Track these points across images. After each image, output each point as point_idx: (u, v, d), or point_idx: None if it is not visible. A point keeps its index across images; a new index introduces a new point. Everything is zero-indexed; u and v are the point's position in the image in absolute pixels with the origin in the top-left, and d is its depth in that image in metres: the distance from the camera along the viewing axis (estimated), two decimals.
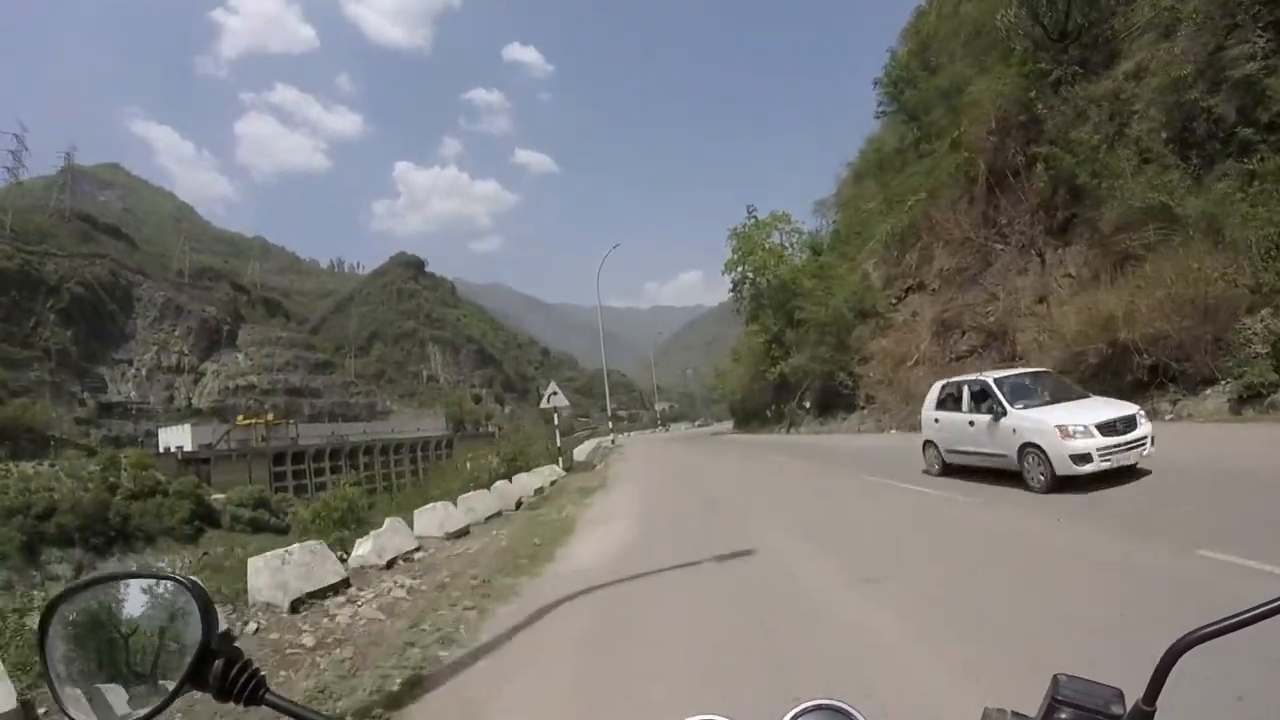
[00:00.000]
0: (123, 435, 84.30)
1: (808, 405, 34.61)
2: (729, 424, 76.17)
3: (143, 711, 0.77)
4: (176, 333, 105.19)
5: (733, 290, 45.07)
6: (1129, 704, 0.73)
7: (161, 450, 73.81)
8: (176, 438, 74.40)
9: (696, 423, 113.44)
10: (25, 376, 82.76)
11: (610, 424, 48.20)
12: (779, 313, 38.16)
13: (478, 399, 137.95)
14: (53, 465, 59.73)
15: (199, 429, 75.90)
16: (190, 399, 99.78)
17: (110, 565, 52.61)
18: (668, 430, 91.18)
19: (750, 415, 48.34)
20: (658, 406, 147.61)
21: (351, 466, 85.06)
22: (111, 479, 59.16)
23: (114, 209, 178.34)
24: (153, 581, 0.86)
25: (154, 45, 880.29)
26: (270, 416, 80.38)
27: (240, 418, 78.94)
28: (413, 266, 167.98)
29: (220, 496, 63.77)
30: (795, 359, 34.74)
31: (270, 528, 57.08)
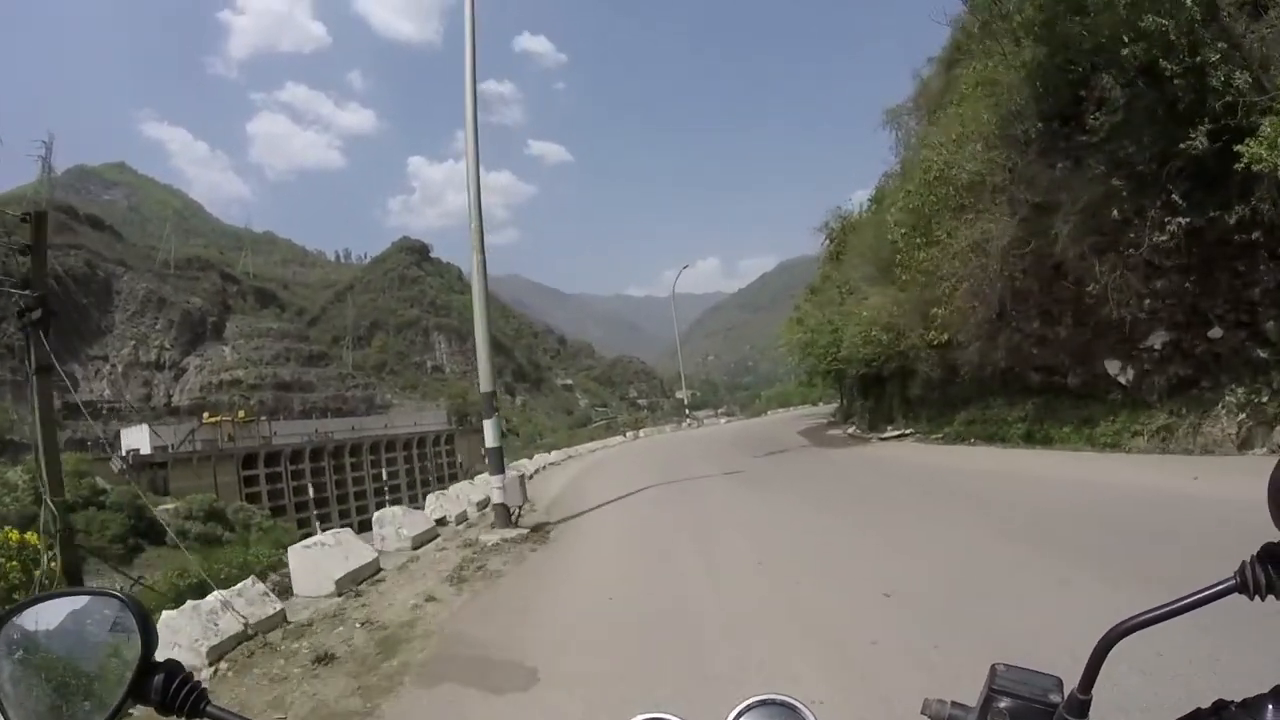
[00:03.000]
0: (90, 437, 77.28)
1: None
2: (796, 410, 58.10)
3: None
4: (158, 326, 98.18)
5: None
6: (1066, 692, 0.73)
7: (125, 453, 66.68)
8: (137, 439, 67.01)
9: (720, 411, 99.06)
10: None
11: (490, 431, 12.37)
12: None
13: None
14: None
15: (160, 429, 68.38)
16: (170, 396, 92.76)
17: (30, 594, 45.40)
18: (699, 425, 60.19)
19: (950, 400, 19.11)
20: (680, 394, 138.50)
21: (335, 468, 77.34)
22: (40, 489, 51.72)
23: (119, 207, 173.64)
24: (92, 599, 0.87)
25: (163, 47, 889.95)
26: (241, 413, 72.65)
27: (207, 415, 71.36)
28: (416, 252, 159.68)
29: (169, 506, 56.00)
30: None
31: (223, 543, 49.39)
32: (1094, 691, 0.72)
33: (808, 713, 0.83)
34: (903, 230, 18.42)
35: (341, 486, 76.22)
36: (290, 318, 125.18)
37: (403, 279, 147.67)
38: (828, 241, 35.39)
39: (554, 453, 30.96)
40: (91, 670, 0.83)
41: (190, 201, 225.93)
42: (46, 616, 0.86)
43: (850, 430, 26.27)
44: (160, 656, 0.82)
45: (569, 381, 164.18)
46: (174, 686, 0.78)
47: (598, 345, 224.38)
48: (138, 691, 0.78)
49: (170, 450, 64.31)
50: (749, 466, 18.36)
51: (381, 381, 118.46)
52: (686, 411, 69.97)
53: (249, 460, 68.38)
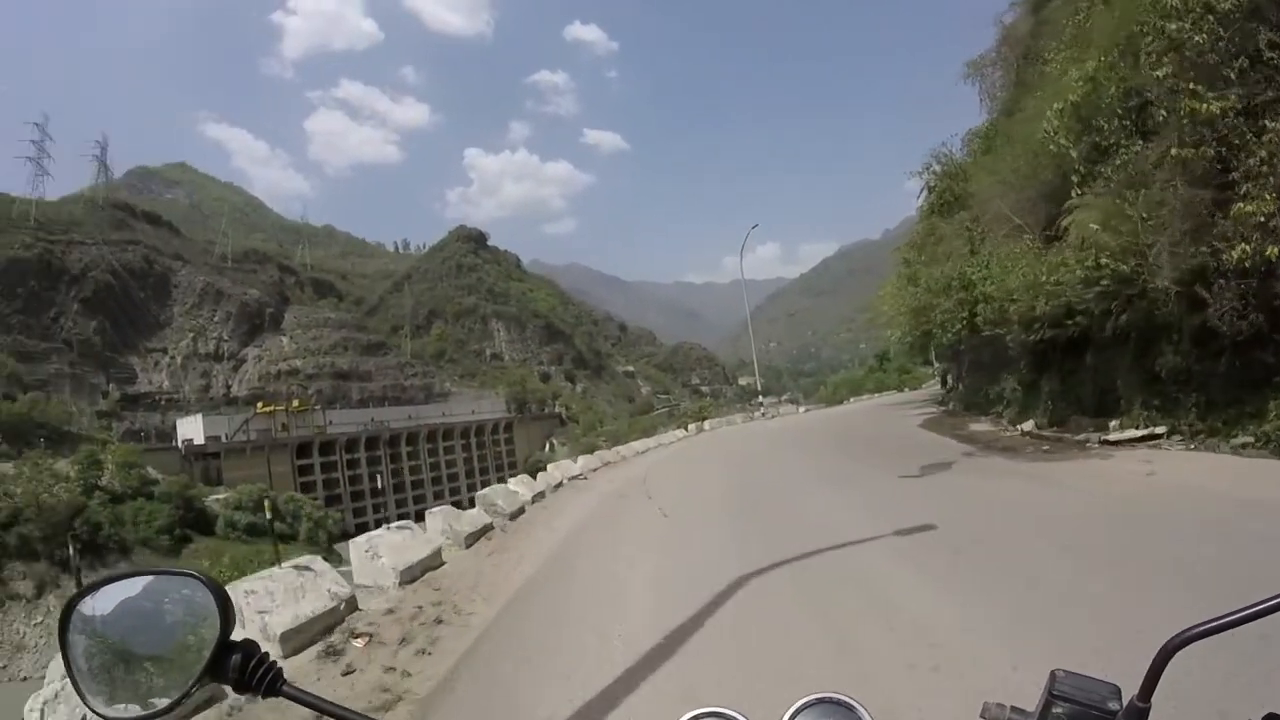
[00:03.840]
0: (147, 428, 76.18)
1: None
2: (878, 398, 52.77)
3: (163, 703, 0.79)
4: (215, 318, 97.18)
5: None
6: (1125, 699, 0.73)
7: (180, 443, 64.89)
8: (191, 429, 65.04)
9: (784, 398, 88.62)
10: (44, 370, 75.55)
11: None
12: None
13: (545, 377, 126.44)
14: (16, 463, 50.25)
15: (214, 419, 66.20)
16: (229, 386, 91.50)
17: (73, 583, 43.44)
18: (774, 415, 46.30)
19: (1249, 374, 9.82)
20: (744, 381, 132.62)
21: (392, 457, 74.33)
22: (92, 479, 50.11)
23: (180, 205, 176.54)
24: (170, 578, 0.88)
25: (219, 50, 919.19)
26: (296, 403, 70.01)
27: (260, 404, 68.95)
28: (473, 240, 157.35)
29: (220, 496, 53.43)
30: None
31: (273, 534, 46.48)
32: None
33: (864, 712, 0.81)
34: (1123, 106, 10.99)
35: (398, 476, 73.20)
36: (348, 307, 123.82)
37: (460, 267, 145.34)
38: (926, 191, 29.61)
39: (581, 459, 21.23)
40: (166, 648, 0.83)
41: (251, 198, 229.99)
42: (122, 594, 0.85)
43: (1024, 427, 16.37)
44: None
45: (630, 369, 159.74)
46: (251, 665, 0.79)
47: (658, 332, 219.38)
48: (215, 669, 0.78)
49: (223, 440, 61.98)
50: (933, 510, 7.91)
51: (440, 370, 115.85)
52: (760, 399, 56.55)
53: (303, 449, 65.70)
